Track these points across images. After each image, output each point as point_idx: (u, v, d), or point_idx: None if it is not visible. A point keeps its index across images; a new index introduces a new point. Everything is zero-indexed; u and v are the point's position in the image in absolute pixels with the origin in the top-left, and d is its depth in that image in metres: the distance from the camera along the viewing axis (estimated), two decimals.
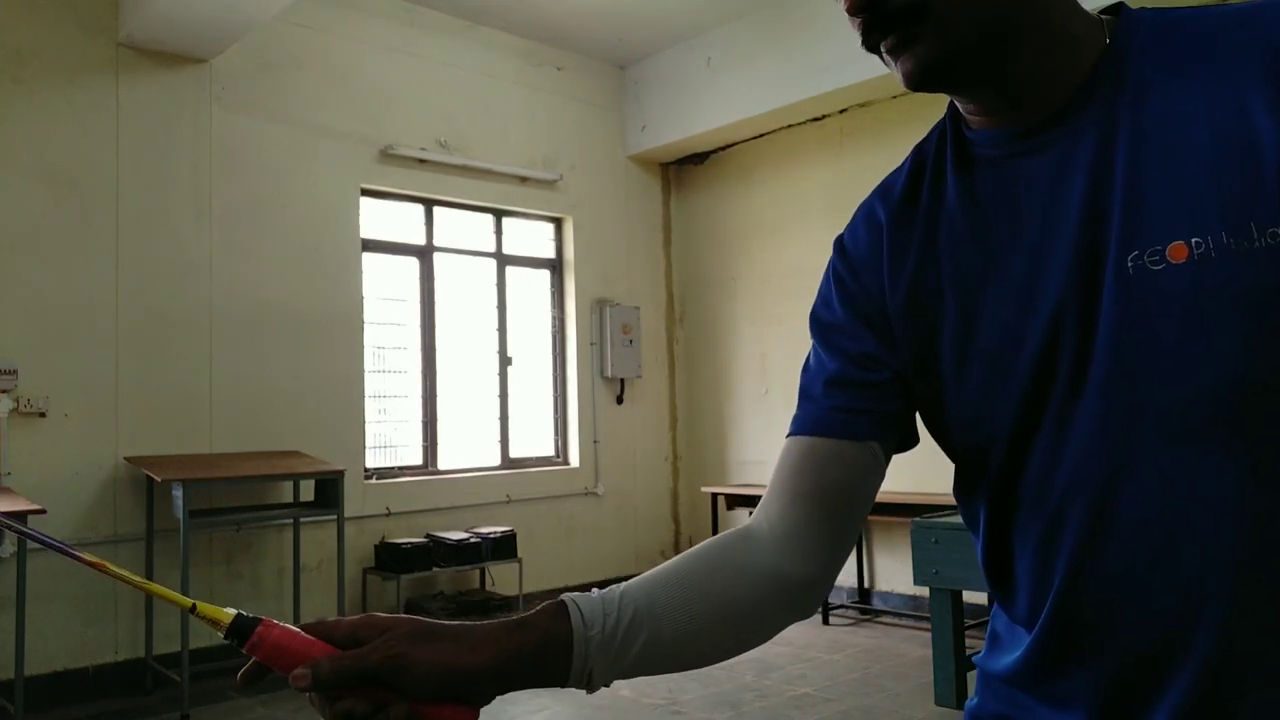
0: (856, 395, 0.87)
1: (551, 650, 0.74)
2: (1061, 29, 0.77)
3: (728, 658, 0.85)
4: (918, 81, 0.76)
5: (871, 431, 0.86)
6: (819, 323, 0.93)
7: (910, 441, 0.90)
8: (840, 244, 0.93)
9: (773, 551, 0.85)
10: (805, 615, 0.89)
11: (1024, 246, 0.78)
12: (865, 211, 0.91)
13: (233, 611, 0.69)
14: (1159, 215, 0.71)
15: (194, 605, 0.70)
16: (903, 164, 0.90)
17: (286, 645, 0.69)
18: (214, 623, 0.69)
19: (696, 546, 0.86)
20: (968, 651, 4.11)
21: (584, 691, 0.77)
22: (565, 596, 0.77)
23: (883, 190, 0.91)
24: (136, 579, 0.71)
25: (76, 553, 0.70)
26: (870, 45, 0.78)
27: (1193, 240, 0.69)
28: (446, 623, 0.73)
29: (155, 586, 0.72)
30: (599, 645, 0.76)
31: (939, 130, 0.88)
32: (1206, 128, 0.71)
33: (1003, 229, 0.79)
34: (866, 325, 0.87)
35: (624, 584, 0.80)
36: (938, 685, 4.05)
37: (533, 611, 0.76)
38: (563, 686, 0.75)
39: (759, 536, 0.86)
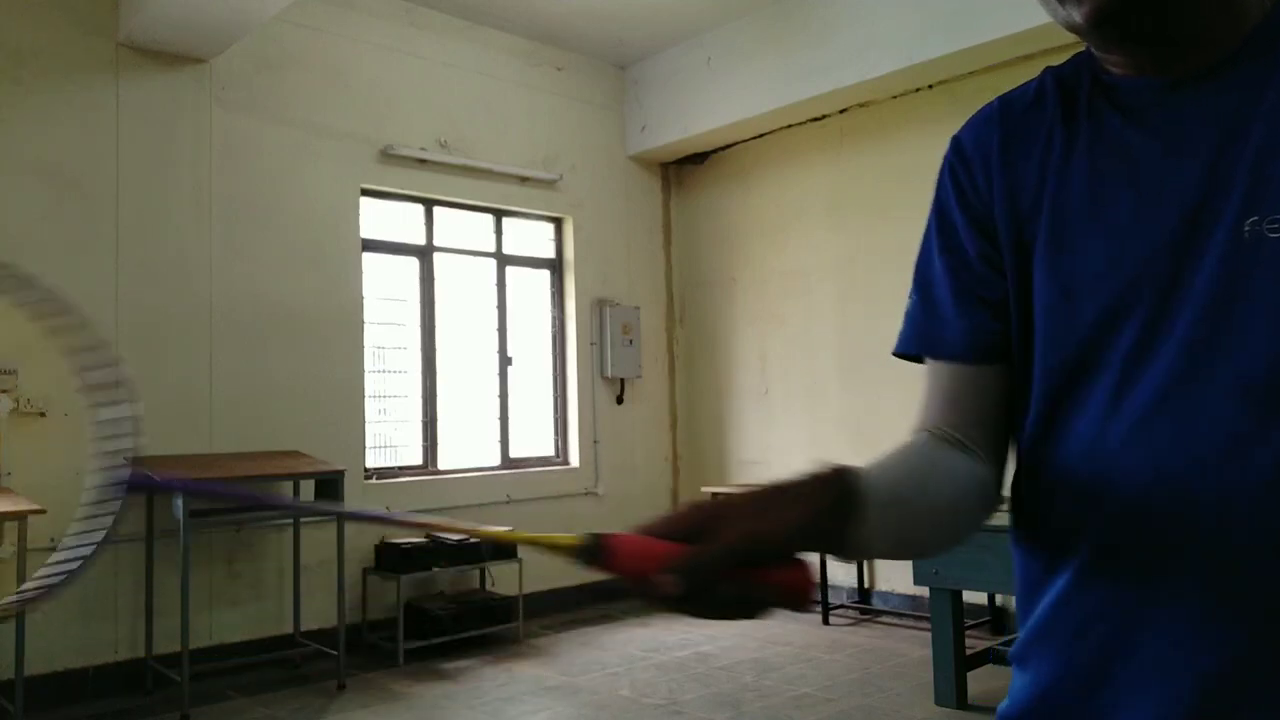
0: (987, 316, 0.87)
1: (842, 507, 0.73)
2: None
3: (941, 553, 0.87)
4: (1105, 17, 0.75)
5: (1004, 353, 0.88)
6: (943, 225, 0.92)
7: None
8: (957, 142, 0.93)
9: (966, 455, 0.86)
10: (992, 514, 0.90)
11: (1134, 192, 0.78)
12: (985, 115, 0.92)
13: (576, 535, 0.71)
14: None
15: (534, 539, 0.73)
16: (1030, 83, 0.90)
17: (638, 551, 0.70)
18: (563, 549, 0.71)
19: (902, 448, 0.86)
20: (968, 651, 4.12)
21: (842, 561, 0.77)
22: (842, 466, 0.76)
23: (1004, 102, 0.91)
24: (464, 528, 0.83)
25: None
26: None
27: None
28: (755, 490, 0.72)
29: (528, 536, 0.75)
30: (877, 514, 0.74)
31: (1078, 61, 0.87)
32: None
33: (1119, 173, 0.80)
34: (980, 231, 0.88)
35: (864, 469, 0.79)
36: (938, 685, 4.05)
37: (822, 472, 0.75)
38: (839, 551, 0.74)
39: (950, 441, 0.87)
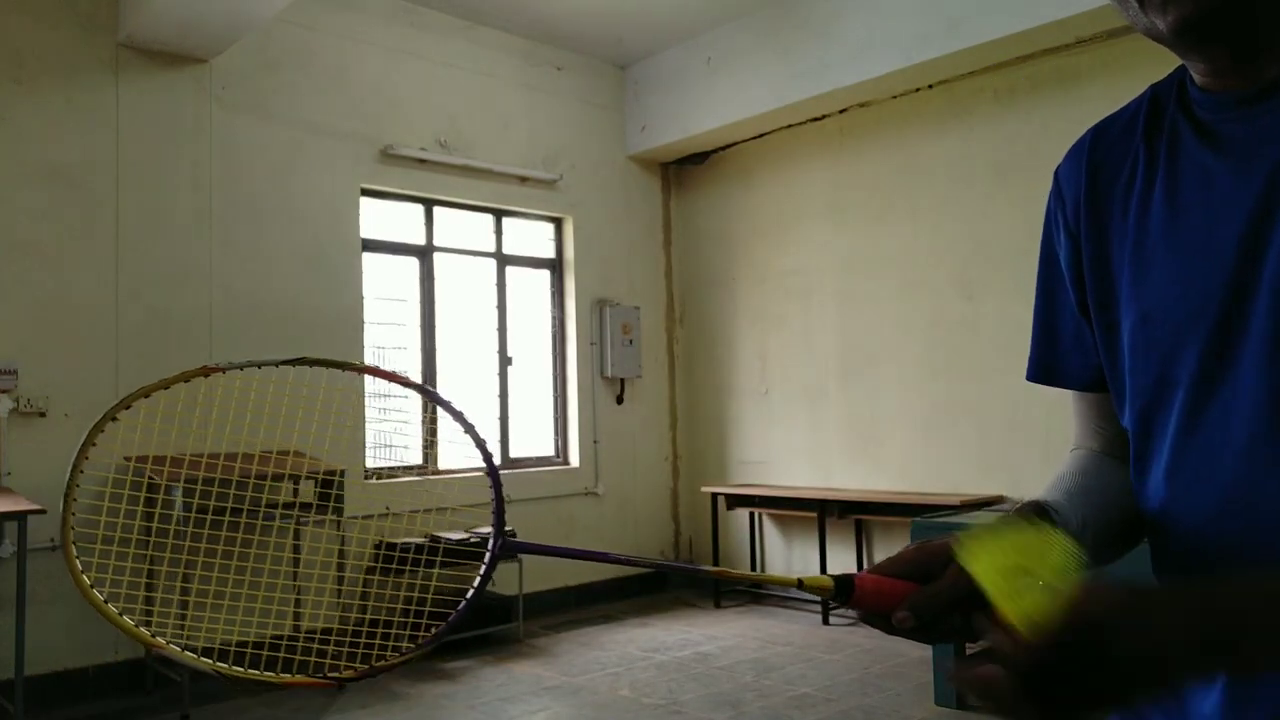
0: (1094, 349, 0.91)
1: None
2: None
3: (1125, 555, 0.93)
4: (1189, 25, 0.74)
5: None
6: (1049, 259, 0.95)
7: None
8: (1056, 179, 0.95)
9: (1124, 465, 0.91)
10: None
11: (1205, 211, 0.78)
12: (1077, 147, 0.93)
13: (829, 577, 0.82)
14: None
15: (800, 581, 0.84)
16: (1132, 101, 0.90)
17: (879, 590, 0.80)
18: (819, 590, 0.82)
19: (1071, 471, 0.92)
20: (968, 651, 4.12)
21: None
22: (1039, 500, 0.85)
23: (1098, 130, 0.92)
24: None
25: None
26: None
27: None
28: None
29: (760, 575, 0.87)
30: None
31: (1175, 75, 0.87)
32: None
33: (1193, 193, 0.80)
34: (1077, 271, 0.91)
35: (1050, 495, 0.86)
36: (938, 685, 4.05)
37: (1023, 512, 0.84)
38: None
39: (1112, 456, 0.93)
